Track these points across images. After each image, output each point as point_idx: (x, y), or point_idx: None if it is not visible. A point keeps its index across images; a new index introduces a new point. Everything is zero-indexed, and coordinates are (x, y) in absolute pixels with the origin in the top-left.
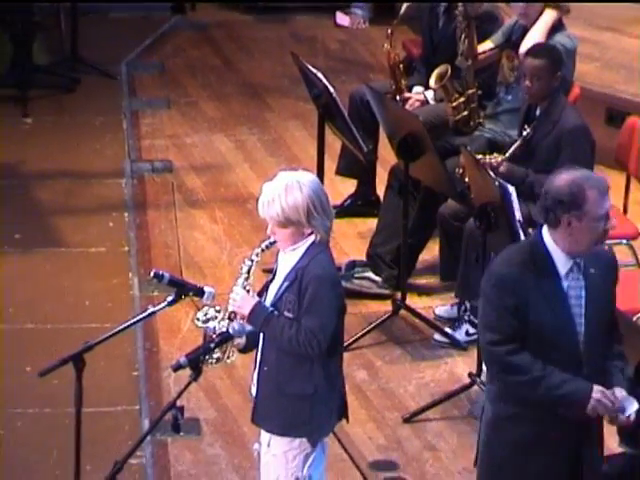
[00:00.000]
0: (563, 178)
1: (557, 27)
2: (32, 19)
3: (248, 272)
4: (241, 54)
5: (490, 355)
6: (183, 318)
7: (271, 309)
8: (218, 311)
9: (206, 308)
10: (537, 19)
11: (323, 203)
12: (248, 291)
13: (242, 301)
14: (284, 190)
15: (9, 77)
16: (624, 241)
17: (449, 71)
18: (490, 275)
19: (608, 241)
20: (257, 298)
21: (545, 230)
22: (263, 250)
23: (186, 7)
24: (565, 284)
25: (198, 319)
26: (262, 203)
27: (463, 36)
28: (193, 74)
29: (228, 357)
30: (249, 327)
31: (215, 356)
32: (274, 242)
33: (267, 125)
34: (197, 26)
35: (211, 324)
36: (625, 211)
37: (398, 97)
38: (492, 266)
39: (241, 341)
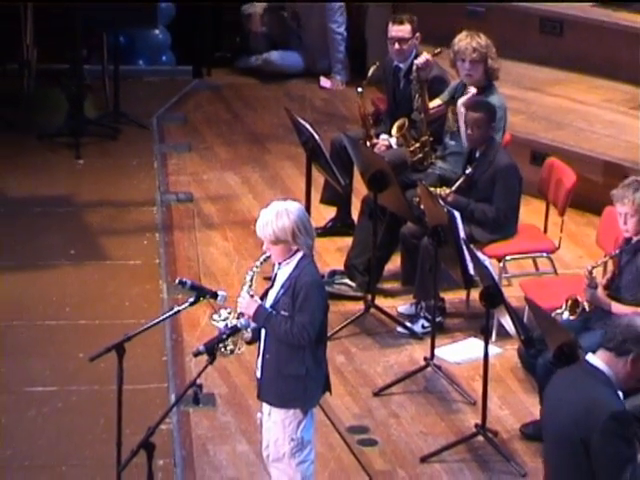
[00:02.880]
0: None
1: (490, 88)
2: (83, 82)
3: (251, 280)
4: (246, 109)
5: None
6: (201, 315)
7: (270, 310)
8: (229, 312)
9: (221, 310)
10: (479, 79)
11: (306, 226)
12: (252, 296)
13: (247, 304)
14: (275, 216)
15: (66, 127)
16: (544, 254)
17: (406, 123)
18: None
19: (531, 254)
20: (259, 301)
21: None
22: (261, 263)
23: (203, 72)
24: None
25: (215, 319)
26: (258, 226)
27: (417, 95)
28: (209, 125)
29: (239, 348)
30: (253, 324)
31: (229, 348)
32: (269, 256)
33: (266, 164)
34: (212, 87)
35: (225, 322)
36: (545, 231)
37: (368, 143)
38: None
39: (248, 335)
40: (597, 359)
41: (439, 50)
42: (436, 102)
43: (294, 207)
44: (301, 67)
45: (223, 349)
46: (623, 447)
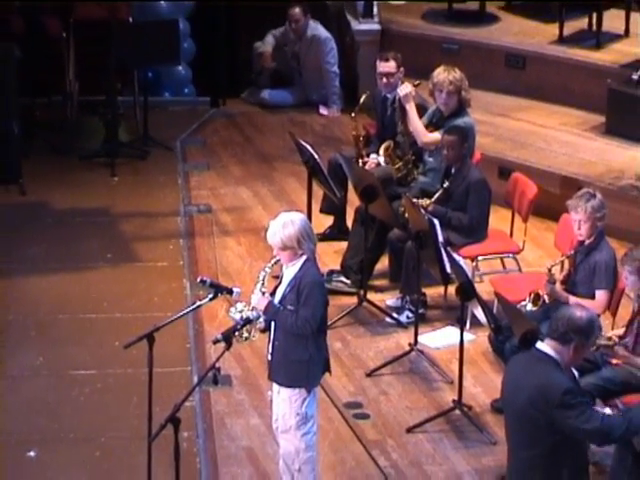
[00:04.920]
0: (584, 313)
1: (462, 113)
2: (118, 111)
3: (263, 279)
4: (256, 133)
5: None
6: (219, 309)
7: (279, 304)
8: (244, 306)
9: (236, 304)
10: (454, 107)
11: (309, 234)
12: (263, 293)
13: (260, 300)
14: (282, 226)
15: (102, 150)
16: (511, 255)
17: (391, 145)
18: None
19: (499, 255)
20: (270, 297)
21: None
22: (272, 265)
23: (220, 102)
24: None
25: (231, 312)
26: (268, 235)
27: (400, 121)
28: (224, 147)
29: (253, 336)
30: (264, 316)
31: (244, 336)
32: (278, 260)
33: (274, 180)
34: (227, 115)
35: (240, 315)
36: (511, 235)
37: (360, 161)
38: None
39: (261, 325)
40: (546, 346)
41: (418, 82)
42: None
43: (298, 218)
44: (290, 103)
45: (238, 337)
46: (581, 408)
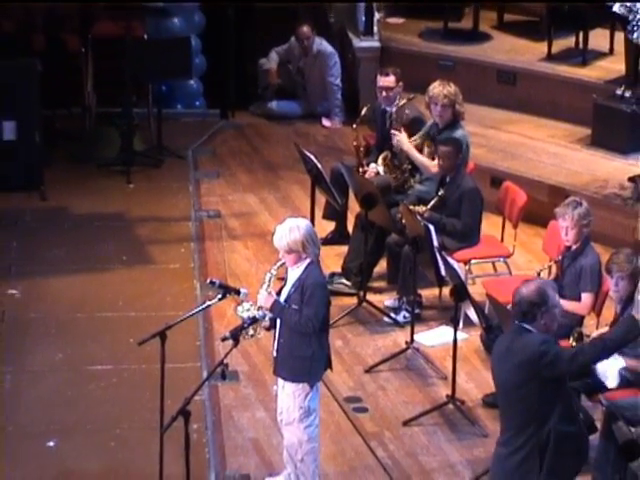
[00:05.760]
0: (530, 286)
1: (456, 125)
2: (133, 122)
3: (269, 280)
4: (263, 144)
5: None
6: (227, 308)
7: (284, 304)
8: (250, 306)
9: (244, 304)
10: (448, 120)
11: (313, 238)
12: (270, 293)
13: (266, 299)
14: (288, 231)
15: (119, 158)
16: (501, 259)
17: (389, 155)
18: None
19: (491, 259)
20: (275, 297)
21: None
22: (278, 268)
23: (229, 114)
24: None
25: (239, 311)
26: (275, 238)
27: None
28: (233, 156)
29: (259, 334)
30: (270, 315)
31: (250, 334)
32: (284, 262)
33: (279, 188)
34: (235, 126)
35: (247, 314)
36: (502, 240)
37: (360, 170)
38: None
39: (267, 323)
40: (526, 325)
41: (413, 96)
42: (414, 138)
43: (304, 223)
44: (298, 113)
45: (245, 335)
46: (558, 350)
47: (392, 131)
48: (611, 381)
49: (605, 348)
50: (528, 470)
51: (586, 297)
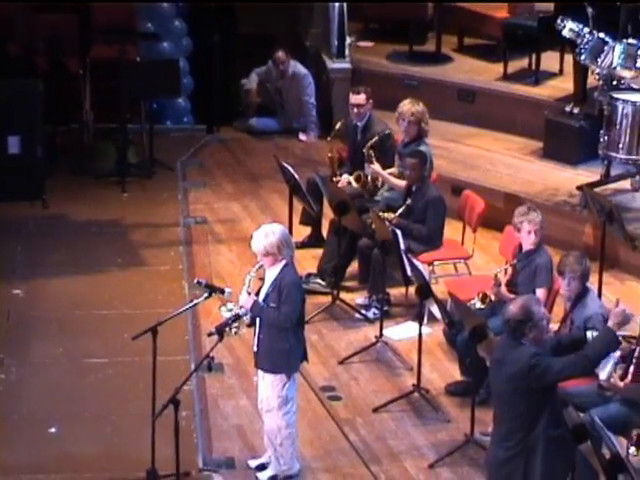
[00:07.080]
0: (516, 305)
1: (421, 140)
2: (127, 137)
3: (249, 282)
4: (245, 156)
5: None
6: (213, 306)
7: (263, 304)
8: (234, 305)
9: (228, 303)
10: (414, 135)
11: (288, 241)
12: (249, 293)
13: (246, 300)
14: (264, 236)
15: (114, 170)
16: (462, 260)
17: (362, 175)
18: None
19: (452, 260)
20: (255, 297)
21: None
22: (256, 270)
23: (214, 130)
24: None
25: (223, 310)
26: (253, 243)
27: (367, 147)
28: (219, 168)
29: (241, 330)
30: (250, 313)
31: (233, 330)
32: (262, 265)
33: (261, 196)
34: (220, 140)
35: (229, 312)
36: (462, 243)
37: (334, 180)
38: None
39: (247, 320)
40: (517, 340)
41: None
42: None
43: (278, 228)
44: (276, 128)
45: (229, 331)
46: (548, 363)
47: (365, 164)
48: (603, 373)
49: (591, 362)
50: (514, 469)
51: (540, 292)
